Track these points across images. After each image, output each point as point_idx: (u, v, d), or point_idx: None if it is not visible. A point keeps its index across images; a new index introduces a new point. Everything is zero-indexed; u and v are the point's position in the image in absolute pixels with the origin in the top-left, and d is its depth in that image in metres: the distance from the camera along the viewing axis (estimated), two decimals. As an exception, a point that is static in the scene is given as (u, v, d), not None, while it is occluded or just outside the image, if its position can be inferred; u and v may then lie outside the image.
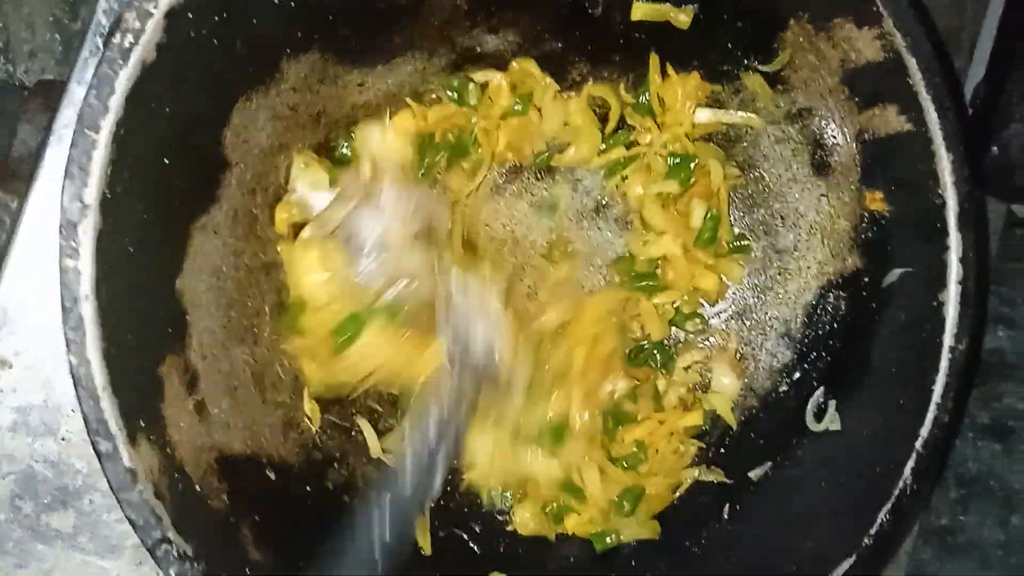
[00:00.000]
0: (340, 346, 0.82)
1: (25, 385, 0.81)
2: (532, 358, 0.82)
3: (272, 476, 0.77)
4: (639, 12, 0.83)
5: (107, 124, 0.60)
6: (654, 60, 0.87)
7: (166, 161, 0.67)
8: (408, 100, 0.87)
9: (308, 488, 0.80)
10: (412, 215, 0.81)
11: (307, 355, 0.83)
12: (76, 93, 0.81)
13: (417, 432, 0.74)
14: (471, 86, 0.88)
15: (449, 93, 0.88)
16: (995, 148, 0.88)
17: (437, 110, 0.88)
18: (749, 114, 0.87)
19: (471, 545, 0.86)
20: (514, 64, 0.88)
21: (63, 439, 0.81)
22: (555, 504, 0.85)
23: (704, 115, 0.88)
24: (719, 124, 0.89)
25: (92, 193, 0.60)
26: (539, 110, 0.89)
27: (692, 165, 0.88)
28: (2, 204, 0.98)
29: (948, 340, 0.72)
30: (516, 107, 0.88)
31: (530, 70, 0.88)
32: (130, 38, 0.61)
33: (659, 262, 0.90)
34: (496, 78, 0.88)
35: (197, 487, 0.68)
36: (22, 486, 0.81)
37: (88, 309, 0.60)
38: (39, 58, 1.08)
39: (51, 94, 0.82)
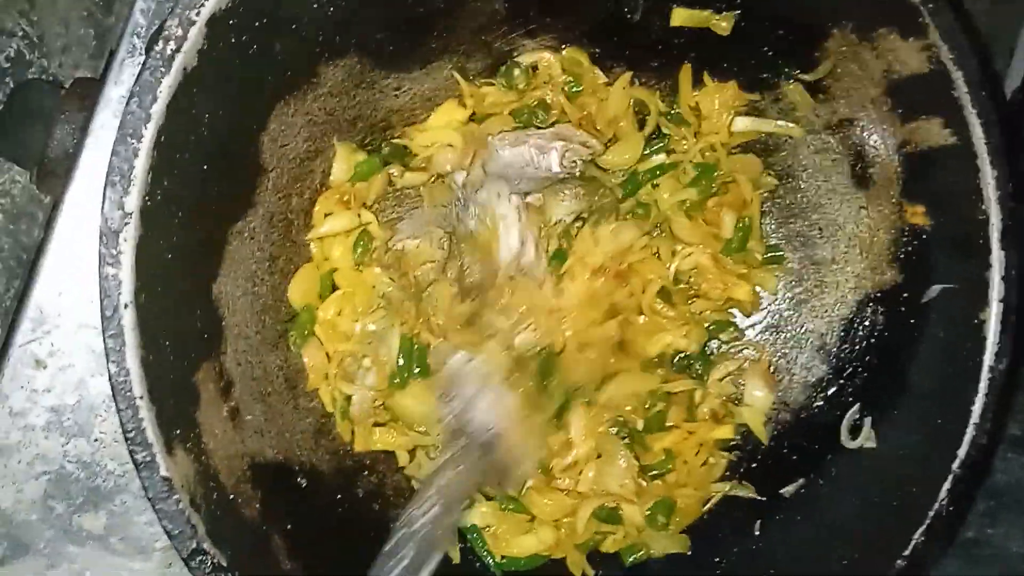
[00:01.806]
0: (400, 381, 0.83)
1: (59, 385, 0.82)
2: (541, 440, 0.81)
3: (304, 483, 0.78)
4: (679, 18, 0.82)
5: (149, 132, 0.60)
6: (685, 71, 0.86)
7: (205, 167, 0.67)
8: (457, 77, 0.85)
9: (339, 496, 0.80)
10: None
11: (319, 364, 0.82)
12: (112, 93, 0.82)
13: (418, 510, 0.71)
14: (517, 71, 0.86)
15: (497, 80, 0.87)
16: (1030, 155, 0.86)
17: (492, 93, 0.87)
18: (788, 123, 0.86)
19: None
20: (564, 52, 0.87)
21: (96, 440, 0.82)
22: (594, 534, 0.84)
23: (742, 123, 0.87)
24: (757, 133, 0.88)
25: (133, 201, 0.60)
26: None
27: (714, 175, 0.87)
28: (38, 200, 0.98)
29: (988, 360, 0.71)
30: (573, 87, 0.86)
31: (580, 59, 0.87)
32: (172, 45, 0.61)
33: (691, 272, 0.89)
34: (546, 57, 0.87)
35: (231, 495, 0.68)
36: (55, 486, 0.82)
37: (128, 317, 0.60)
38: (72, 52, 1.08)
39: (87, 93, 0.82)
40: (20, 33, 1.02)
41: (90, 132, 0.80)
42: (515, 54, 0.86)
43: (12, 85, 0.99)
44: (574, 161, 0.84)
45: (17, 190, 1.03)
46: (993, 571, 0.99)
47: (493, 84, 0.87)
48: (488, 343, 0.79)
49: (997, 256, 0.71)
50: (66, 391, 0.82)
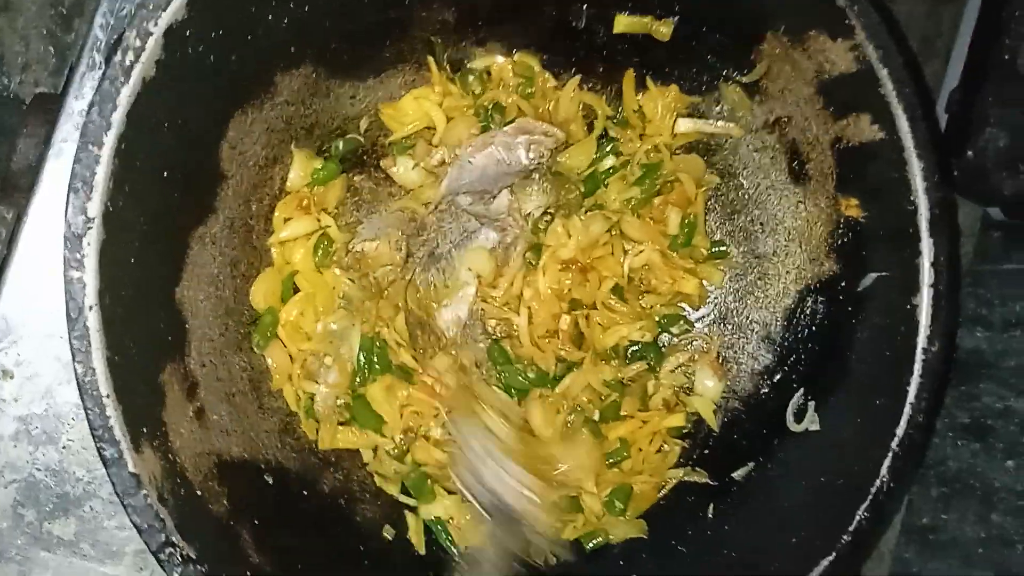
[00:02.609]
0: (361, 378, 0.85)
1: (27, 395, 0.83)
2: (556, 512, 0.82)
3: (270, 480, 0.79)
4: (621, 25, 0.85)
5: (110, 139, 0.62)
6: (628, 77, 0.89)
7: (165, 174, 0.69)
8: (430, 61, 0.87)
9: (305, 492, 0.82)
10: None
11: (283, 364, 0.84)
12: (73, 107, 0.83)
13: None
14: (472, 77, 0.89)
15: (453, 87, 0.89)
16: (970, 152, 0.89)
17: (449, 99, 0.89)
18: (728, 124, 0.89)
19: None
20: (516, 56, 0.89)
21: (64, 447, 0.83)
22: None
23: (685, 125, 0.90)
24: (699, 133, 0.91)
25: (96, 206, 0.62)
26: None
27: (659, 174, 0.90)
28: (0, 216, 0.99)
29: (922, 342, 0.74)
30: (525, 89, 0.89)
31: (531, 63, 0.90)
32: (131, 56, 0.63)
33: (642, 269, 0.92)
34: (498, 61, 0.89)
35: (198, 491, 0.69)
36: (24, 494, 0.82)
37: (93, 319, 0.62)
38: (33, 70, 1.09)
39: (49, 108, 0.84)
40: (-20, 53, 1.04)
41: (52, 145, 0.82)
42: (466, 62, 0.89)
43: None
44: (541, 151, 0.87)
45: (-21, 206, 1.04)
46: (949, 556, 0.99)
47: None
48: (483, 411, 0.81)
49: (927, 244, 0.74)
50: (33, 400, 0.83)
